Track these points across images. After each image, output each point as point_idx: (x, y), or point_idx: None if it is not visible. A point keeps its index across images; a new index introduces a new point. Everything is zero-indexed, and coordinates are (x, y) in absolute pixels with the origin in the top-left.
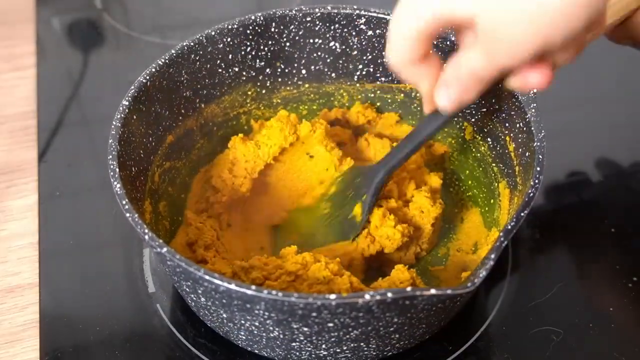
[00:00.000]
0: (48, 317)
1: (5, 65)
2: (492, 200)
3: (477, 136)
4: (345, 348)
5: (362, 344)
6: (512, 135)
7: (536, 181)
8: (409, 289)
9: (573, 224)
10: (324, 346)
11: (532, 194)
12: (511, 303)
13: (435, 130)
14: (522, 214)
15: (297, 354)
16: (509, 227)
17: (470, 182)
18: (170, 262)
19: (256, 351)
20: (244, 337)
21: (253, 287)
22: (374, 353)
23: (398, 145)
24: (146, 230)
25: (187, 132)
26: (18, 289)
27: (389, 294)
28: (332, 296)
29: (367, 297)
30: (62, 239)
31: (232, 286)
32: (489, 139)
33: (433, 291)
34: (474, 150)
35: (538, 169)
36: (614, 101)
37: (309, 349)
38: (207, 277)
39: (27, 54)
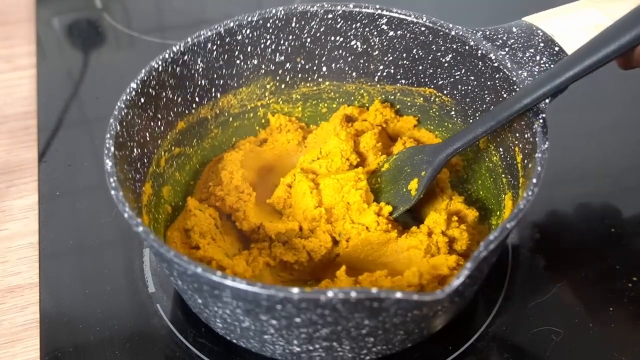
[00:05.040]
0: (48, 317)
1: (5, 65)
2: (498, 212)
3: (491, 145)
4: (317, 346)
5: (334, 343)
6: (520, 146)
7: (529, 193)
8: (374, 290)
9: (573, 224)
10: (295, 342)
11: (522, 207)
12: (511, 303)
13: (510, 115)
14: (508, 226)
15: (271, 347)
16: (492, 237)
17: (481, 192)
18: (144, 239)
19: (234, 341)
20: (220, 325)
21: (219, 273)
22: (350, 355)
23: (468, 127)
24: (124, 202)
25: (201, 121)
26: (18, 289)
27: (352, 294)
28: (295, 290)
29: (330, 294)
30: (62, 239)
31: (199, 270)
32: (500, 149)
33: (399, 294)
34: (487, 159)
35: (534, 180)
36: (615, 102)
37: (282, 343)
38: (175, 260)
39: (27, 54)
